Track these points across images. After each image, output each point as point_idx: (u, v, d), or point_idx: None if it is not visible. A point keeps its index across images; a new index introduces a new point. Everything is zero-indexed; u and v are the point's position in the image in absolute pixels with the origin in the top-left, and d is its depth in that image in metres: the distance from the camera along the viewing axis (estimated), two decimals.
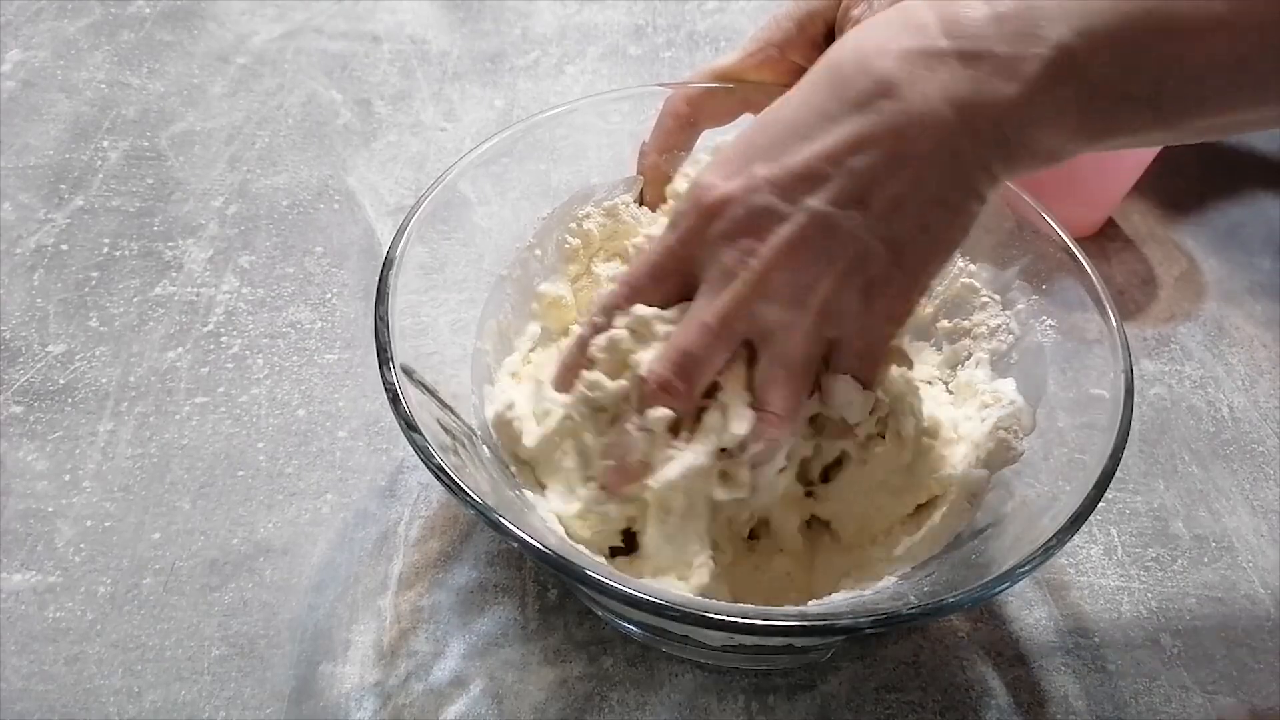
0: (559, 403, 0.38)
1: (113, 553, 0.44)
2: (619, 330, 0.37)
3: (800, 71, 0.45)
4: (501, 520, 0.31)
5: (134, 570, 0.43)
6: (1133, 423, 0.36)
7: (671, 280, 0.37)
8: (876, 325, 0.35)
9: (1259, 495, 0.50)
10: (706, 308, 0.35)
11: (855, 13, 0.42)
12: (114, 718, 0.39)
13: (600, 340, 0.37)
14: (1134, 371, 0.38)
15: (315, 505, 0.46)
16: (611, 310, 0.37)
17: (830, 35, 0.45)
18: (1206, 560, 0.47)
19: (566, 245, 0.47)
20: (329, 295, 0.56)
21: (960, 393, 0.44)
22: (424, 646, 0.41)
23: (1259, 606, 0.45)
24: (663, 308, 0.37)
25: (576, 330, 0.40)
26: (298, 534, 0.45)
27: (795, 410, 0.36)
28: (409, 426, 0.34)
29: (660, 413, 0.35)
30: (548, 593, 0.43)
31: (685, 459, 0.35)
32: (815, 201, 0.32)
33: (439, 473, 0.33)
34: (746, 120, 0.47)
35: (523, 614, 0.43)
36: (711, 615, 0.31)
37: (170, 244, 0.58)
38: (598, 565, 0.36)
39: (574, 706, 0.40)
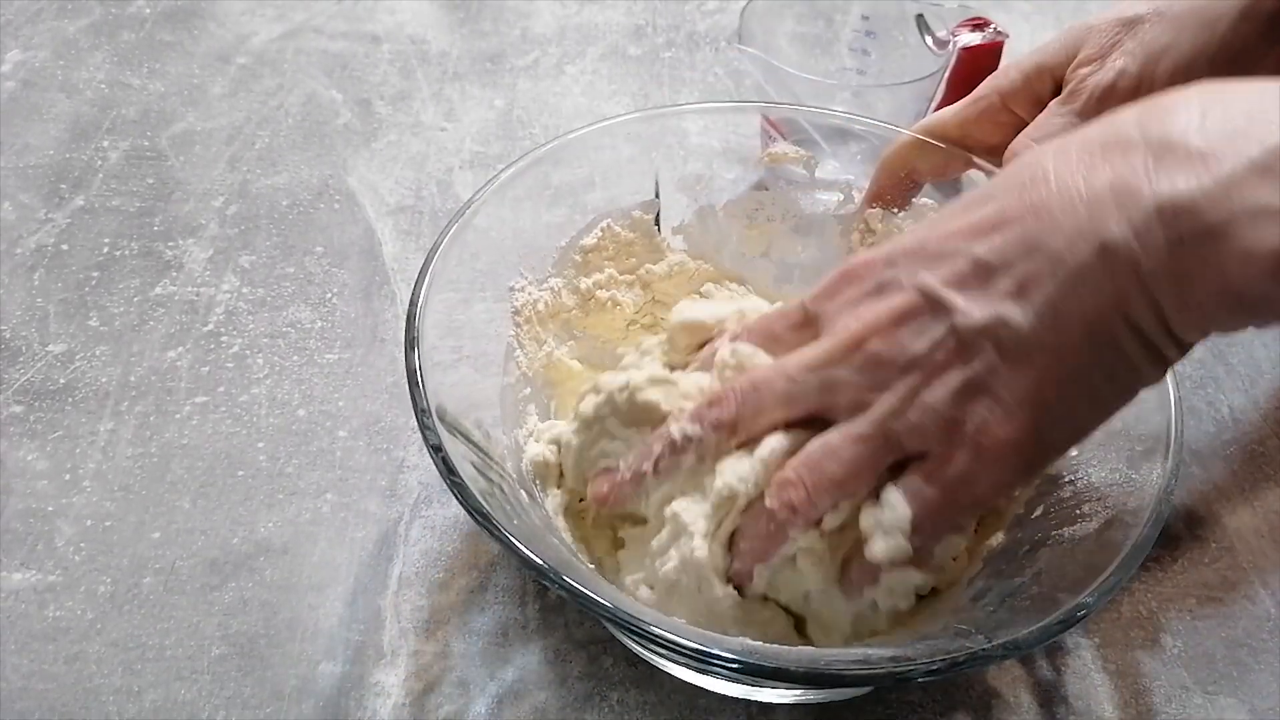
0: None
1: (113, 552, 0.44)
2: (728, 349, 0.37)
3: (1020, 123, 0.45)
4: (571, 583, 0.31)
5: (134, 570, 0.43)
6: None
7: (796, 334, 0.35)
8: (976, 453, 0.30)
9: (1259, 495, 0.50)
10: (795, 356, 0.34)
11: (1084, 71, 0.42)
12: (114, 717, 0.39)
13: (722, 352, 0.37)
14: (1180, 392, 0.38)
15: (315, 505, 0.46)
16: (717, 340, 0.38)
17: (1057, 91, 0.44)
18: (1206, 560, 0.47)
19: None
20: (329, 295, 0.56)
21: None
22: (424, 646, 0.41)
23: (1259, 606, 0.45)
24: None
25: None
26: (298, 534, 0.45)
27: (815, 503, 0.33)
28: (458, 490, 0.33)
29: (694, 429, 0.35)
30: (548, 593, 0.43)
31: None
32: (931, 277, 0.31)
33: (486, 523, 0.32)
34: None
35: (523, 614, 0.43)
36: (781, 666, 0.30)
37: (170, 244, 0.58)
38: (628, 604, 0.35)
39: (574, 706, 0.40)
